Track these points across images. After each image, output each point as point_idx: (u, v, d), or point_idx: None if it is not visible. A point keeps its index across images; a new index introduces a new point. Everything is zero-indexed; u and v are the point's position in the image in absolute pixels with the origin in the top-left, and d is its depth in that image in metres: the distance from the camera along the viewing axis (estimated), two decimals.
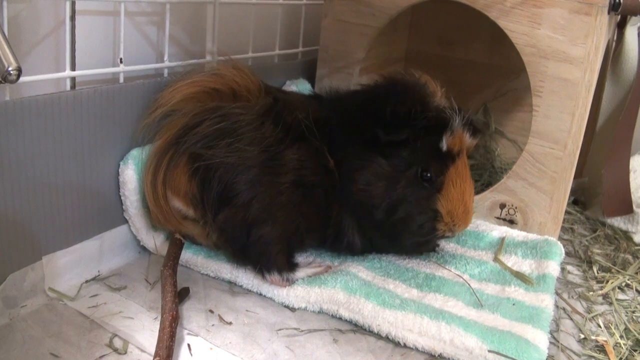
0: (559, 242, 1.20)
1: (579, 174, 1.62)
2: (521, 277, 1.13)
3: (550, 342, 0.98)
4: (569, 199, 1.38)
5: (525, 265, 1.17)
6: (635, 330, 1.06)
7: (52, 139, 0.97)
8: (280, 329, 0.98)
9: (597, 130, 1.60)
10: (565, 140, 1.21)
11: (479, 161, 1.76)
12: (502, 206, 1.29)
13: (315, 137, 1.08)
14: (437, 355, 0.95)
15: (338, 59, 1.50)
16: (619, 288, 1.23)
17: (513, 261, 1.18)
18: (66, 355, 0.86)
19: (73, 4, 1.05)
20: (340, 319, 1.02)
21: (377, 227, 1.10)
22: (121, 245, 1.14)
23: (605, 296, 1.19)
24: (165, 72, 1.25)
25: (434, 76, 1.17)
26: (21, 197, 0.94)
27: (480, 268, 1.16)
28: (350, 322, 1.01)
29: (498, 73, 1.78)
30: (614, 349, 1.01)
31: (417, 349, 0.96)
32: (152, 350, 0.86)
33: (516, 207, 1.28)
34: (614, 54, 1.53)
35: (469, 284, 1.10)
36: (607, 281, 1.24)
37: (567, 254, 1.33)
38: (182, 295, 1.03)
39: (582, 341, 1.04)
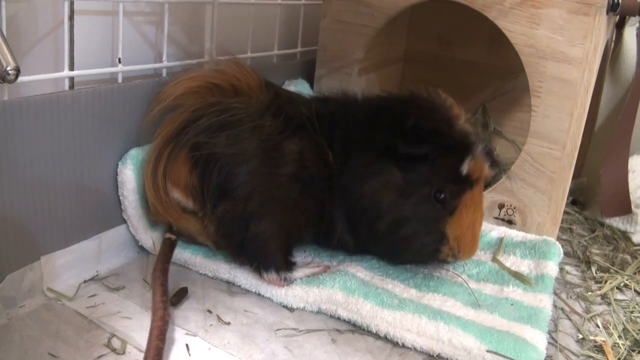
0: (557, 243, 1.20)
1: (577, 174, 1.62)
2: (520, 277, 1.13)
3: (549, 342, 0.98)
4: (567, 199, 1.38)
5: (523, 265, 1.17)
6: (633, 331, 1.06)
7: (50, 139, 0.97)
8: (278, 329, 0.98)
9: (596, 131, 1.60)
10: (563, 140, 1.21)
11: None
12: (501, 206, 1.29)
13: (315, 129, 1.08)
14: (435, 355, 0.95)
15: (337, 59, 1.50)
16: (618, 288, 1.23)
17: (511, 261, 1.18)
18: (64, 355, 0.86)
19: (72, 4, 1.05)
20: (338, 319, 1.02)
21: (375, 237, 1.09)
22: (119, 245, 1.14)
23: (604, 296, 1.19)
24: (164, 72, 1.24)
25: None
26: (19, 196, 0.94)
27: (479, 268, 1.17)
28: (348, 322, 1.01)
29: (497, 73, 1.78)
30: (612, 349, 1.01)
31: (415, 349, 0.96)
32: None
33: (515, 208, 1.28)
34: (612, 55, 1.53)
35: (467, 284, 1.10)
36: (606, 281, 1.24)
37: (566, 254, 1.33)
38: (180, 295, 1.03)
39: (581, 341, 1.04)
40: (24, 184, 0.94)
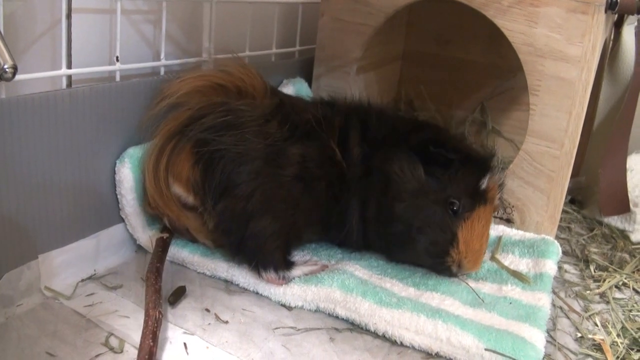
0: (556, 241, 1.20)
1: (576, 173, 1.62)
2: (518, 276, 1.13)
3: (547, 341, 0.98)
4: (566, 198, 1.38)
5: (522, 264, 1.16)
6: (632, 329, 1.06)
7: (48, 137, 0.97)
8: (276, 328, 0.98)
9: (594, 129, 1.60)
10: (562, 139, 1.21)
11: None
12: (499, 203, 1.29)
13: (323, 132, 1.10)
14: (433, 354, 0.95)
15: (335, 58, 1.49)
16: (616, 287, 1.23)
17: (510, 260, 1.18)
18: (62, 354, 0.86)
19: (69, 2, 1.04)
20: (337, 317, 1.02)
21: (388, 225, 1.10)
22: (117, 244, 1.14)
23: (602, 295, 1.19)
24: (162, 70, 1.24)
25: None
26: (17, 195, 0.94)
27: None
28: (347, 320, 1.01)
29: (495, 72, 1.78)
30: (610, 347, 1.01)
31: (413, 348, 0.96)
32: None
33: (513, 206, 1.28)
34: (611, 53, 1.53)
35: (466, 282, 1.10)
36: (604, 280, 1.24)
37: (564, 253, 1.33)
38: (178, 294, 1.03)
39: (579, 340, 1.04)
40: (22, 183, 0.94)
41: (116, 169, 1.10)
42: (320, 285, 1.04)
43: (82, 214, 1.06)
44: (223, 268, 1.10)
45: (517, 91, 1.76)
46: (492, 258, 1.18)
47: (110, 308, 0.98)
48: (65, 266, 1.03)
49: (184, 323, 0.97)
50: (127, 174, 1.09)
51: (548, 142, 1.22)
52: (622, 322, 1.09)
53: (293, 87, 1.52)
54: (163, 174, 1.05)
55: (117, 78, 1.14)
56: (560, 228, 1.44)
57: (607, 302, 1.16)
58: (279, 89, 1.50)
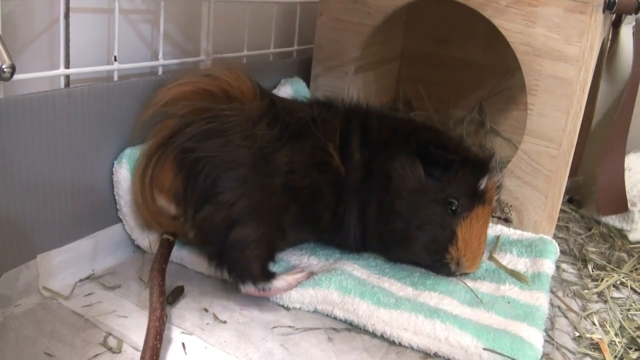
0: (554, 241, 1.20)
1: (573, 172, 1.62)
2: (516, 276, 1.13)
3: (545, 340, 0.98)
4: (563, 197, 1.39)
5: (520, 263, 1.17)
6: (630, 328, 1.07)
7: (46, 137, 0.97)
8: (275, 327, 0.98)
9: (592, 129, 1.60)
10: (560, 138, 1.21)
11: None
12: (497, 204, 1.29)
13: (318, 128, 1.10)
14: (432, 354, 0.95)
15: (333, 58, 1.49)
16: (614, 286, 1.23)
17: (508, 259, 1.18)
18: (60, 354, 0.86)
19: (67, 1, 1.04)
20: (335, 318, 1.02)
21: (389, 222, 1.11)
22: (115, 244, 1.14)
23: (600, 294, 1.19)
24: (160, 70, 1.24)
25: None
26: (15, 195, 0.94)
27: None
28: (345, 321, 1.01)
29: (493, 71, 1.78)
30: (608, 346, 1.01)
31: (412, 348, 0.96)
32: None
33: (511, 206, 1.28)
34: (608, 53, 1.54)
35: (464, 282, 1.10)
36: (602, 279, 1.24)
37: (562, 252, 1.33)
38: (176, 293, 1.03)
39: (577, 339, 1.04)
40: (20, 183, 0.94)
41: (114, 169, 1.10)
42: (318, 288, 1.04)
43: (80, 214, 1.06)
44: None
45: (515, 91, 1.76)
46: (490, 257, 1.18)
47: (109, 308, 0.98)
48: (64, 266, 1.03)
49: (183, 323, 0.97)
50: (124, 175, 1.09)
51: (546, 141, 1.22)
52: (620, 321, 1.09)
53: (291, 87, 1.52)
54: (148, 189, 1.04)
55: (115, 78, 1.13)
56: (558, 227, 1.44)
57: (605, 302, 1.16)
58: (277, 88, 1.50)
